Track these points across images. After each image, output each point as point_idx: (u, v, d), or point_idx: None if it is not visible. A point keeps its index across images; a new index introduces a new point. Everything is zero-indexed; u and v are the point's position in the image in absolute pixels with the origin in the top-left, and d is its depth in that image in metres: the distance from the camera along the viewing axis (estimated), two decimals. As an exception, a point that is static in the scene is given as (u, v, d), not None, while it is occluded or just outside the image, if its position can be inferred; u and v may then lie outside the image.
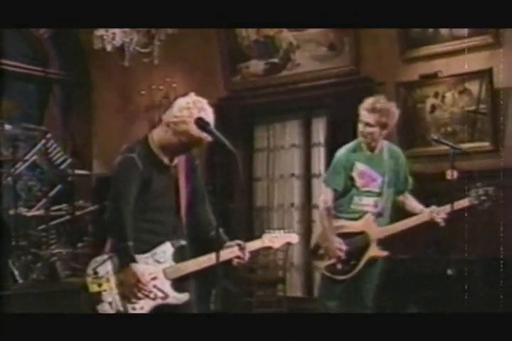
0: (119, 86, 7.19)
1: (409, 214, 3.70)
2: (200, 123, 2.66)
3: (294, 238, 2.97)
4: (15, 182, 5.17)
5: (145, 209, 2.74)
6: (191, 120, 2.67)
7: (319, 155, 6.22)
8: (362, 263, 3.57)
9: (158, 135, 2.80)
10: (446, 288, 4.15)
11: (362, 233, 3.59)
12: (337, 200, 3.61)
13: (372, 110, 3.53)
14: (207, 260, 2.76)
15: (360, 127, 3.59)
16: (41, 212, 5.36)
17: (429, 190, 5.21)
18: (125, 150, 2.76)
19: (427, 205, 3.75)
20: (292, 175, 6.47)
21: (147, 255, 2.73)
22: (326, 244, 3.58)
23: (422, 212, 3.64)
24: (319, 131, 6.27)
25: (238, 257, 2.81)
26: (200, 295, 2.90)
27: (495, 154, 5.08)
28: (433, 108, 5.40)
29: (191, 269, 2.78)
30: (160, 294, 2.72)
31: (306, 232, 6.24)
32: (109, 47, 5.56)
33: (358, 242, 3.58)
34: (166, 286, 2.74)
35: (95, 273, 2.70)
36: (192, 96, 2.79)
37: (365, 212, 3.60)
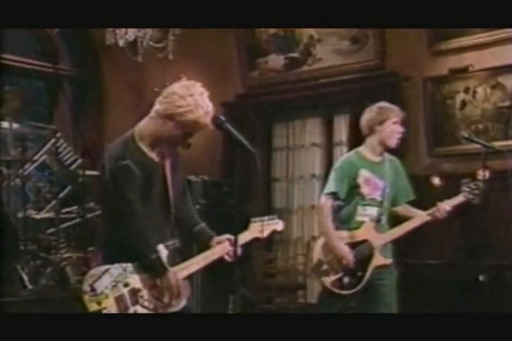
0: (131, 83, 7.18)
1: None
2: (218, 121, 2.57)
3: (280, 224, 2.97)
4: (23, 184, 5.16)
5: (144, 213, 2.65)
6: (198, 107, 2.57)
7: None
8: (368, 273, 3.55)
9: (149, 129, 2.67)
10: (477, 295, 4.09)
11: (364, 241, 3.59)
12: (340, 211, 3.63)
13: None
14: (202, 260, 2.76)
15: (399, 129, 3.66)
16: (51, 214, 5.35)
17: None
18: (116, 157, 2.63)
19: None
20: (313, 175, 6.41)
21: None
22: (330, 258, 3.57)
23: (420, 215, 3.68)
24: (341, 129, 6.21)
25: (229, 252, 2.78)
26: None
27: (530, 153, 5.00)
28: (463, 104, 5.32)
29: (188, 272, 2.73)
30: (160, 304, 2.66)
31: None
32: (121, 43, 5.55)
33: (362, 251, 3.57)
34: None
35: (92, 289, 2.60)
36: (185, 82, 2.68)
37: (365, 221, 3.62)
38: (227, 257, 2.79)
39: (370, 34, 5.74)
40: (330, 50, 6.03)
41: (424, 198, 5.31)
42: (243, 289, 4.93)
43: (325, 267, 3.57)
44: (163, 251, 2.69)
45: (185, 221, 2.85)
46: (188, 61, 6.70)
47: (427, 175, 5.29)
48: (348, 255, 3.52)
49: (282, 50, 6.32)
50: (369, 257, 3.56)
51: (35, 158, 5.43)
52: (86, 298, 2.60)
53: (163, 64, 6.30)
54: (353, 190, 3.60)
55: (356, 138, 5.87)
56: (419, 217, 3.64)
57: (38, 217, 5.25)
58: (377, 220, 3.62)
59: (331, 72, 6.03)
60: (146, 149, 2.67)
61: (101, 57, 7.05)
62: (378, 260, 3.56)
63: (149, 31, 5.67)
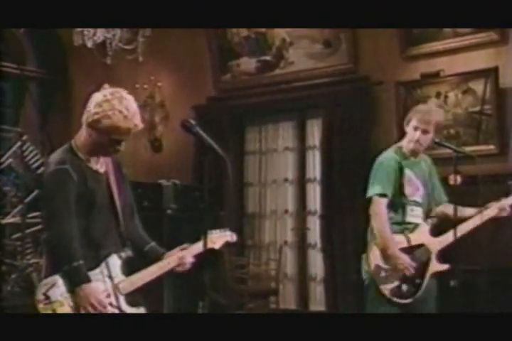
0: (100, 85, 7.17)
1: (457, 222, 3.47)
2: (187, 124, 2.59)
3: (233, 236, 3.02)
4: (-12, 188, 5.15)
5: (86, 222, 2.68)
6: (114, 112, 2.63)
7: (314, 159, 6.23)
8: (426, 280, 3.40)
9: (81, 140, 2.73)
10: (448, 300, 4.16)
11: (420, 246, 3.43)
12: (388, 212, 3.43)
13: (430, 117, 3.51)
14: (157, 269, 2.77)
15: (417, 134, 3.49)
16: (17, 219, 5.33)
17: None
18: (55, 162, 2.68)
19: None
20: (286, 179, 6.47)
21: (96, 271, 2.67)
22: (389, 265, 3.37)
23: (474, 214, 3.51)
24: (314, 133, 6.28)
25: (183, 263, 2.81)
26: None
27: (501, 158, 5.10)
28: (435, 109, 5.44)
29: (143, 281, 2.74)
30: (116, 311, 2.67)
31: (301, 240, 6.26)
32: (89, 44, 5.54)
33: (420, 257, 3.42)
34: (121, 302, 2.69)
35: (47, 297, 2.59)
36: (107, 88, 2.76)
37: (417, 224, 3.47)
38: (179, 268, 2.81)
39: (342, 38, 5.82)
40: (302, 53, 6.09)
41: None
42: (214, 294, 4.96)
43: (383, 274, 3.38)
44: (116, 260, 2.72)
45: (136, 241, 2.86)
46: (159, 63, 6.72)
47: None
48: (410, 263, 3.34)
49: (254, 53, 6.37)
50: (426, 263, 3.41)
51: (1, 161, 5.40)
52: (40, 306, 2.59)
53: (133, 66, 6.30)
54: (397, 190, 3.44)
55: (329, 142, 5.99)
56: (479, 216, 3.45)
57: (3, 221, 5.22)
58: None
59: (304, 76, 6.10)
60: (85, 159, 2.73)
61: (69, 58, 7.04)
62: (435, 266, 3.43)
63: (118, 32, 5.65)
